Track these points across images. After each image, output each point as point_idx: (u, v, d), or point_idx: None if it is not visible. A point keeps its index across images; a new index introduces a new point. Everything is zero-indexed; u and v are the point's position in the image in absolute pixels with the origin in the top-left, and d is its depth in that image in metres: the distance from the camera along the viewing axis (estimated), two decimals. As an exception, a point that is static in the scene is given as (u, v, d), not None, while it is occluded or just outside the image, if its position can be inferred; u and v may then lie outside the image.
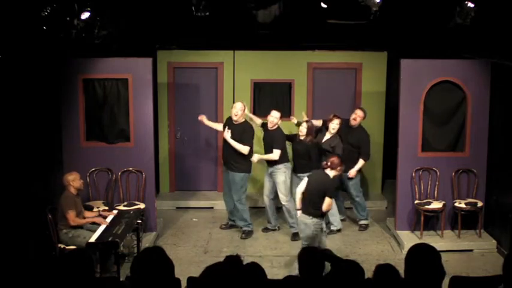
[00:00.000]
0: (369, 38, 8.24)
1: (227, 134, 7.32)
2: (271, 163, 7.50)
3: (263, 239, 7.64)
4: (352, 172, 7.71)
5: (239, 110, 7.35)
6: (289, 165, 7.54)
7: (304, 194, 6.16)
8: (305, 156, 7.44)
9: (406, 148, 7.42)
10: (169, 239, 7.62)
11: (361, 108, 7.91)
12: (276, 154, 7.37)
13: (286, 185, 7.51)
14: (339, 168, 6.08)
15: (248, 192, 7.86)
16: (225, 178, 7.78)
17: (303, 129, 7.42)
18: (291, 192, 7.54)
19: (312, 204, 5.98)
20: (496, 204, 7.24)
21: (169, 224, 8.17)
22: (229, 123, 7.55)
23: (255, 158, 7.43)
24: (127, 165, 7.50)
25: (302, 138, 7.43)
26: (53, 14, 5.34)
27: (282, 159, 7.46)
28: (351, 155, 7.68)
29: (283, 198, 7.51)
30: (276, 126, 7.47)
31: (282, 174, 7.48)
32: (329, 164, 6.08)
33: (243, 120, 7.46)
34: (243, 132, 7.34)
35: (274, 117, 7.43)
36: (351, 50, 8.94)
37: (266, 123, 7.60)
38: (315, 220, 5.97)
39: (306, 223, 6.01)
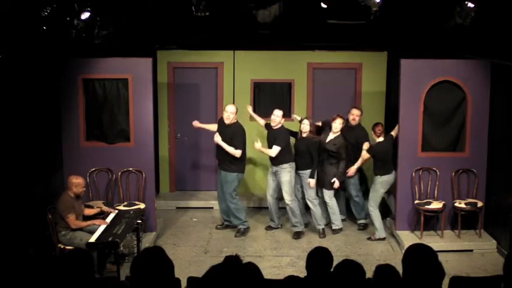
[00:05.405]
0: (368, 38, 8.22)
1: (217, 138, 7.36)
2: (276, 162, 7.51)
3: (263, 239, 7.64)
4: (351, 170, 7.70)
5: (230, 114, 7.38)
6: (294, 164, 7.54)
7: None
8: (306, 153, 7.45)
9: (406, 148, 7.41)
10: (169, 239, 7.62)
11: (356, 107, 7.94)
12: (274, 151, 7.39)
13: (291, 185, 7.52)
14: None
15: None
16: (218, 179, 7.80)
17: (305, 127, 7.44)
18: (294, 191, 7.59)
19: None
20: (496, 204, 7.24)
21: (169, 224, 8.17)
22: (221, 124, 7.57)
23: (258, 145, 7.48)
24: (127, 165, 7.49)
25: (305, 135, 7.46)
26: (53, 14, 5.34)
27: (287, 158, 7.48)
28: (351, 154, 7.68)
29: (287, 197, 7.51)
30: (280, 125, 7.50)
31: (287, 173, 7.49)
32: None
33: (235, 121, 7.47)
34: (234, 134, 7.38)
35: (276, 116, 7.46)
36: (351, 50, 8.94)
37: (269, 123, 7.62)
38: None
39: None
